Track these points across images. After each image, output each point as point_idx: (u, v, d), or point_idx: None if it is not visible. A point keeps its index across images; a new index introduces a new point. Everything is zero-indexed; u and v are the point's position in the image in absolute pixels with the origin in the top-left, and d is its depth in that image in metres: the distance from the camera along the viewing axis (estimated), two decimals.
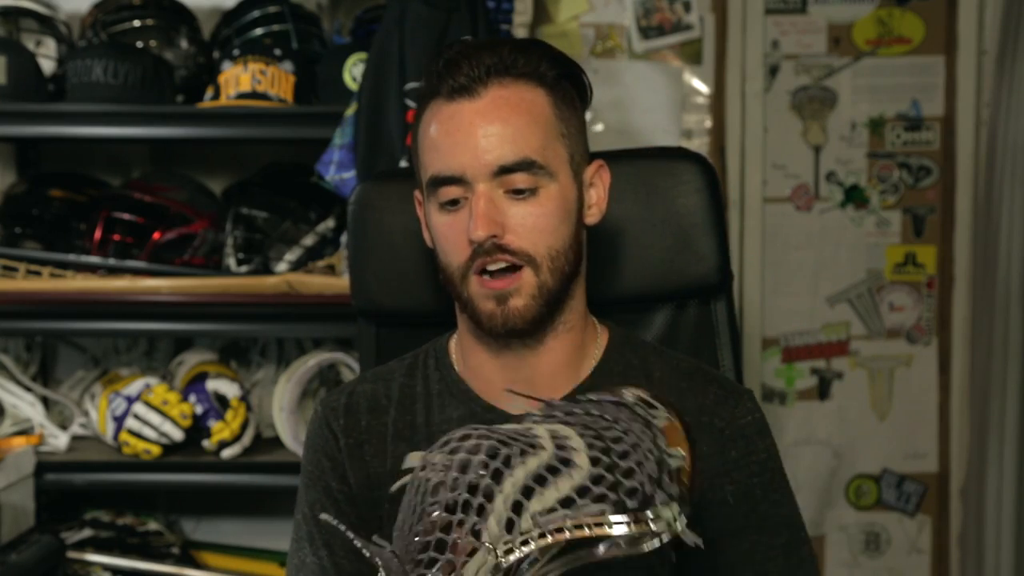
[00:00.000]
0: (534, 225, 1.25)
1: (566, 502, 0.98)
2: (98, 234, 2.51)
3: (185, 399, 2.49)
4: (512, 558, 0.96)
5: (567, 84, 1.30)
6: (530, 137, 1.24)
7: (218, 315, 2.46)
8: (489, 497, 0.97)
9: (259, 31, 2.60)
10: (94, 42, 2.59)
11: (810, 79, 2.92)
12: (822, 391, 2.96)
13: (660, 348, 1.42)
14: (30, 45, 2.61)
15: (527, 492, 0.98)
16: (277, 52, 2.49)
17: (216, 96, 2.48)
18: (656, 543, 0.98)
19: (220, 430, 2.47)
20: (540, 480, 0.98)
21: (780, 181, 2.93)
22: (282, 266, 2.53)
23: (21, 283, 2.45)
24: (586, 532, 0.96)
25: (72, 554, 2.44)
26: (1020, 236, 2.69)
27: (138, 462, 2.48)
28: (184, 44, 2.63)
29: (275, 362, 2.77)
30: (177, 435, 2.45)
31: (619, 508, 0.98)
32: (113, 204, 2.55)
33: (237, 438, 2.49)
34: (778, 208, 2.93)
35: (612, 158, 1.38)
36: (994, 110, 2.77)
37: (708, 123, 2.91)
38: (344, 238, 2.50)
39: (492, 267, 1.25)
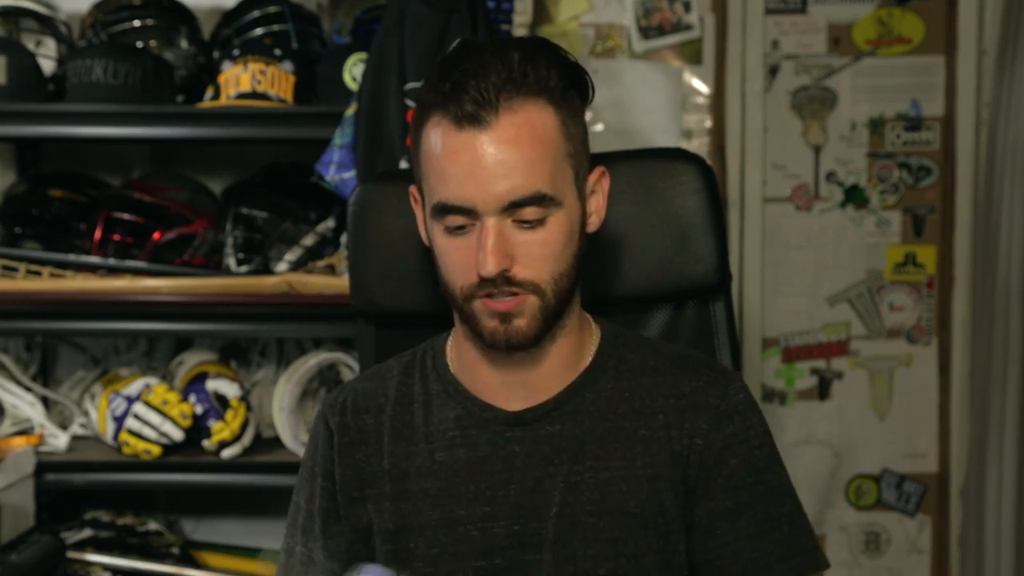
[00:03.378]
0: (540, 254, 1.25)
1: None
2: (98, 234, 2.51)
3: (185, 399, 2.49)
4: None
5: (572, 92, 1.28)
6: (541, 168, 1.23)
7: (218, 315, 2.46)
8: None
9: (259, 31, 2.60)
10: (94, 42, 2.60)
11: (810, 79, 2.92)
12: (822, 391, 2.97)
13: (650, 339, 1.44)
14: (30, 45, 2.61)
15: None
16: (277, 52, 2.50)
17: (216, 96, 2.48)
18: None
19: (220, 430, 2.47)
20: None
21: (780, 181, 2.93)
22: (282, 266, 2.53)
23: (21, 283, 2.45)
24: None
25: (72, 554, 2.44)
26: (1020, 236, 2.69)
27: (138, 462, 2.48)
28: (184, 44, 2.63)
29: (275, 362, 2.77)
30: (177, 435, 2.45)
31: None
32: (113, 204, 2.55)
33: (237, 438, 2.49)
34: (778, 208, 2.93)
35: (611, 158, 1.38)
36: (994, 110, 2.77)
37: (708, 123, 2.91)
38: (344, 238, 2.50)
39: (497, 295, 1.25)
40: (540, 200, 1.23)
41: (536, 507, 1.29)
